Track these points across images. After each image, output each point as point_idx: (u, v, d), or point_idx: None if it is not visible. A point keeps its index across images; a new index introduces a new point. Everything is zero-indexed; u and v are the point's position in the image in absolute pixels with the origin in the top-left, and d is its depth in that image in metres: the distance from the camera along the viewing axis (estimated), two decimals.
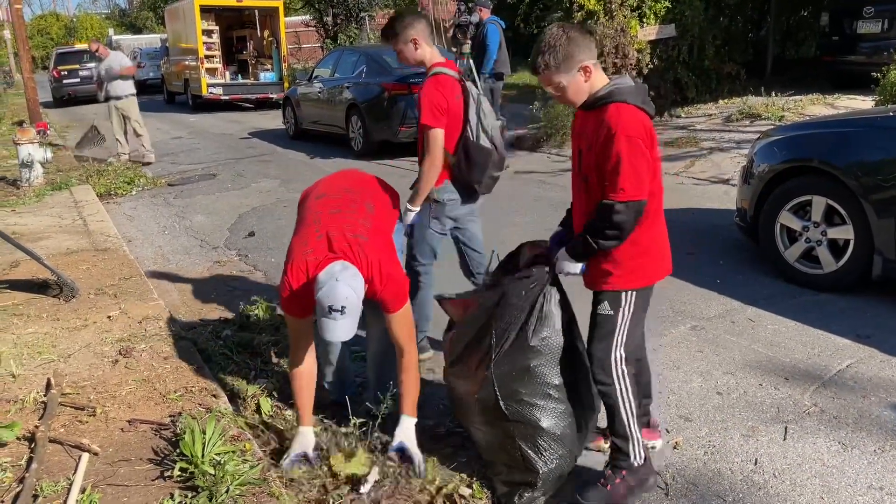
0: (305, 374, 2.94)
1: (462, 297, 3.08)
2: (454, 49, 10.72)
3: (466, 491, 2.83)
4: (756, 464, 3.00)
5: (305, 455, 2.87)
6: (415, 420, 2.94)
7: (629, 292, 2.61)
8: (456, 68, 3.71)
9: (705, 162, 8.59)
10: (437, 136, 3.51)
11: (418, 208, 3.62)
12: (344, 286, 2.51)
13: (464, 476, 2.90)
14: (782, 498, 2.78)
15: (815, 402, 3.43)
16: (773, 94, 10.71)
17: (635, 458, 2.71)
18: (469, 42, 10.34)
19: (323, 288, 2.51)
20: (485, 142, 3.62)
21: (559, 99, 2.60)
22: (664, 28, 11.00)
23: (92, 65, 23.50)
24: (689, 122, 10.75)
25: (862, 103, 9.68)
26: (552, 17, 11.73)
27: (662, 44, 11.10)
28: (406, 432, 2.91)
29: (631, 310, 2.62)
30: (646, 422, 3.00)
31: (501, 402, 2.71)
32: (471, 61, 9.03)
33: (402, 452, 2.89)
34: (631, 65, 10.79)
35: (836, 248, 4.67)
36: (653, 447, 3.01)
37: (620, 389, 2.65)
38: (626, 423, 2.67)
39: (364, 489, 2.70)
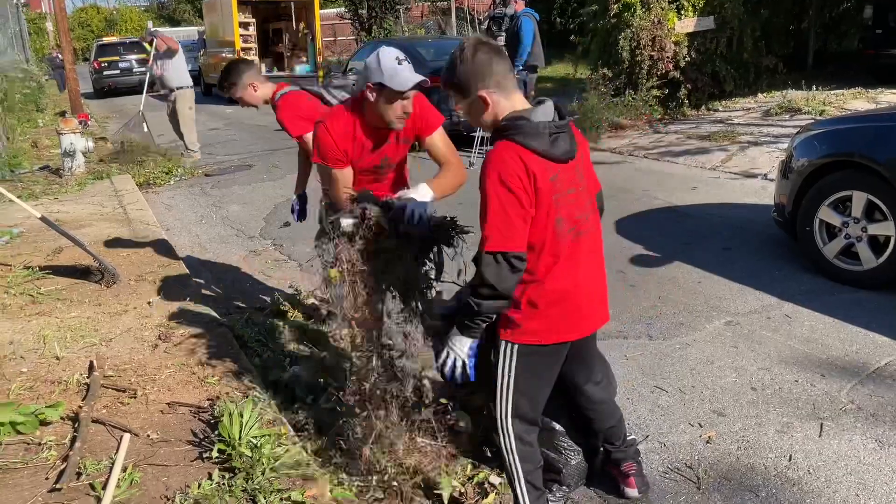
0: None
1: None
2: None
3: (496, 480, 2.85)
4: (790, 460, 2.97)
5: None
6: (432, 193, 2.71)
7: (509, 345, 2.29)
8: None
9: (742, 156, 8.47)
10: (308, 141, 3.70)
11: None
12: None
13: (494, 467, 2.92)
14: (817, 494, 2.75)
15: (851, 400, 3.38)
16: (814, 87, 10.51)
17: None
18: (503, 34, 10.31)
19: (372, 58, 2.72)
20: None
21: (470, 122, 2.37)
22: (702, 20, 10.84)
23: (133, 57, 24.02)
24: (727, 116, 10.60)
25: None
26: (589, 10, 11.64)
27: (700, 36, 10.94)
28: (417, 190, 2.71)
29: (511, 367, 2.30)
30: (617, 464, 2.76)
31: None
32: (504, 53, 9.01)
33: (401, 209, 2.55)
34: (668, 57, 10.66)
35: (877, 244, 4.58)
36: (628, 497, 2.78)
37: (506, 448, 2.40)
38: (514, 485, 2.44)
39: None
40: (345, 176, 2.98)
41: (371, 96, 2.79)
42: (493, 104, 2.20)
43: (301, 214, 4.31)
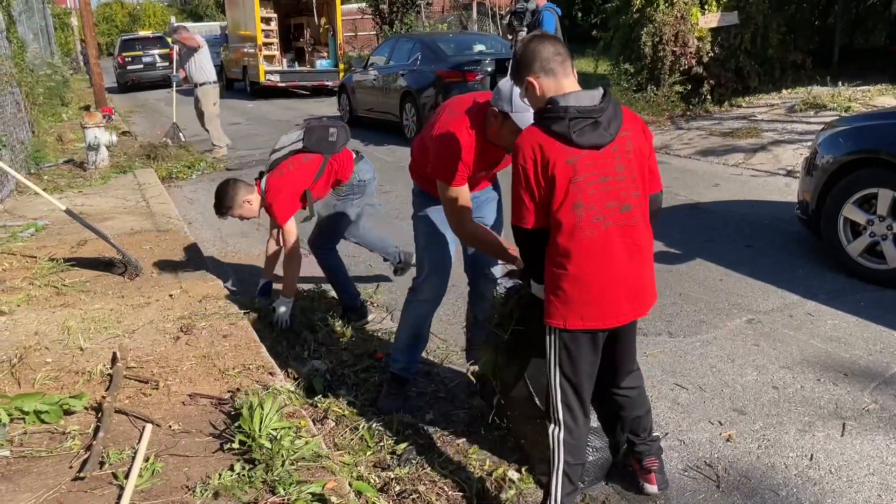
0: (480, 234, 3.05)
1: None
2: (509, 36, 10.65)
3: (515, 475, 2.86)
4: (811, 459, 2.95)
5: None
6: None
7: (550, 329, 2.37)
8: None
9: (766, 153, 8.39)
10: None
11: None
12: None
13: (513, 463, 2.93)
14: (838, 494, 2.73)
15: (874, 400, 3.34)
16: (840, 84, 10.36)
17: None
18: (524, 30, 10.25)
19: (507, 85, 2.70)
20: None
21: None
22: (726, 15, 10.73)
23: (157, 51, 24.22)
24: (750, 112, 10.48)
25: None
26: (611, 5, 11.56)
27: (724, 32, 10.84)
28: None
29: (554, 350, 2.37)
30: (639, 459, 2.76)
31: (535, 398, 2.73)
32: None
33: None
34: (691, 53, 10.57)
35: None
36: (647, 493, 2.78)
37: (552, 435, 2.43)
38: (551, 475, 2.45)
39: None
40: (464, 194, 2.94)
41: (494, 121, 2.82)
42: (540, 87, 2.30)
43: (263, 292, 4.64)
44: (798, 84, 11.30)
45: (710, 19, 10.70)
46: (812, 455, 2.97)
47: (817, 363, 3.71)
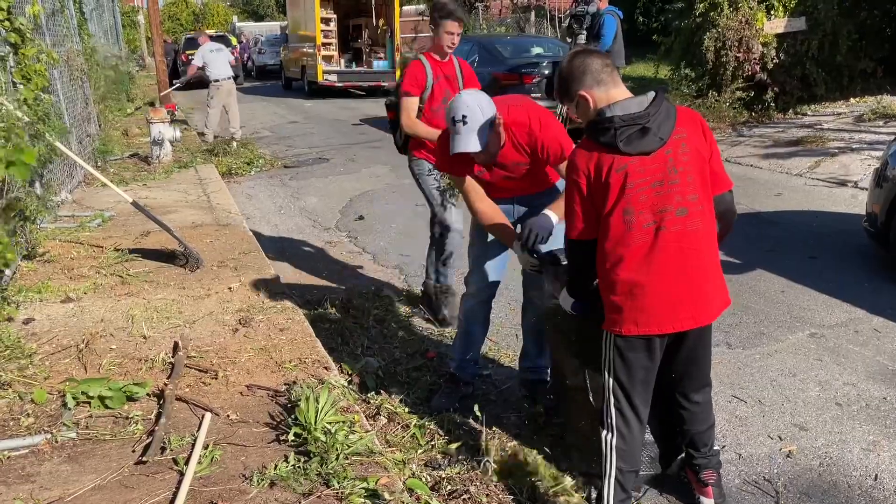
0: (490, 213, 3.10)
1: None
2: (568, 39, 10.57)
3: (568, 481, 2.81)
4: (876, 479, 2.85)
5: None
6: (558, 221, 2.85)
7: (606, 334, 2.37)
8: None
9: (832, 163, 8.14)
10: None
11: None
12: (466, 97, 2.75)
13: (565, 468, 2.90)
14: None
15: None
16: None
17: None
18: (584, 33, 10.17)
19: (449, 103, 2.75)
20: None
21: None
22: (793, 21, 10.45)
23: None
24: (816, 121, 10.19)
25: None
26: (674, 7, 11.37)
27: (790, 38, 10.56)
28: (542, 220, 2.89)
29: (609, 355, 2.37)
30: (696, 471, 2.69)
31: (591, 394, 2.70)
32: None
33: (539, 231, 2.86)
34: (755, 59, 10.32)
35: None
36: None
37: (605, 440, 2.42)
38: (604, 480, 2.44)
39: None
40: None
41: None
42: (593, 99, 2.30)
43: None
44: (867, 93, 10.94)
45: (777, 25, 10.44)
46: (877, 475, 2.87)
47: (883, 381, 3.59)
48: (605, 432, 2.41)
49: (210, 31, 28.19)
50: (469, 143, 2.77)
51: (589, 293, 2.46)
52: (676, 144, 2.24)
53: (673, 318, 2.29)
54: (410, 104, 4.16)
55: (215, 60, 11.41)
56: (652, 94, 2.28)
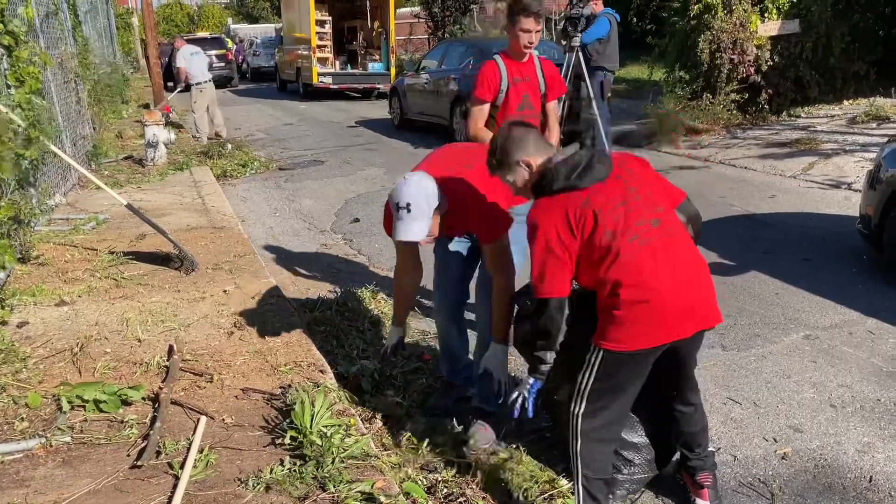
0: (405, 290, 3.20)
1: None
2: (563, 42, 10.59)
3: (563, 483, 2.82)
4: (871, 481, 2.86)
5: (400, 340, 3.20)
6: (505, 346, 2.91)
7: (597, 349, 2.34)
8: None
9: (826, 165, 8.17)
10: None
11: None
12: (410, 185, 2.67)
13: (560, 472, 2.90)
14: None
15: None
16: None
17: None
18: (579, 35, 10.18)
19: (393, 189, 2.69)
20: None
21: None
22: (787, 24, 10.48)
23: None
24: (809, 123, 10.23)
25: None
26: (670, 9, 11.39)
27: (784, 40, 10.59)
28: (491, 359, 2.91)
29: (593, 368, 2.35)
30: (692, 473, 2.71)
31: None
32: (580, 55, 8.87)
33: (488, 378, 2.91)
34: (749, 61, 10.35)
35: None
36: None
37: (572, 447, 2.45)
38: (575, 485, 2.48)
39: None
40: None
41: None
42: (535, 163, 2.43)
43: None
44: (860, 95, 10.97)
45: (770, 27, 10.46)
46: (871, 477, 2.88)
47: (878, 382, 3.60)
48: (571, 439, 2.44)
49: (203, 34, 28.17)
50: (411, 231, 2.69)
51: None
52: (622, 170, 2.40)
53: (681, 325, 2.32)
54: (479, 111, 3.88)
55: (194, 64, 11.78)
56: (574, 144, 2.46)
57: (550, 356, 2.47)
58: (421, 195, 2.65)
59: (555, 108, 3.98)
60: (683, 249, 2.36)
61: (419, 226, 2.66)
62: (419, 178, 2.70)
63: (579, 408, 2.41)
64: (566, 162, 2.36)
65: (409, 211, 2.64)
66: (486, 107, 3.88)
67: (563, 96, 3.89)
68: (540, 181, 2.40)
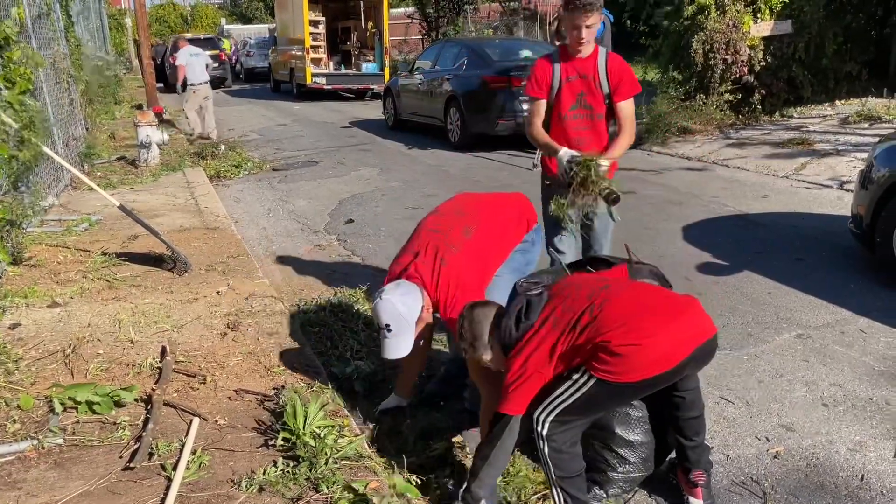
0: (413, 358, 3.09)
1: None
2: (556, 42, 10.62)
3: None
4: (862, 480, 2.87)
5: (398, 409, 3.28)
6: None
7: (587, 374, 2.31)
8: None
9: (818, 164, 8.20)
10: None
11: None
12: (387, 304, 2.73)
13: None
14: None
15: None
16: None
17: None
18: None
19: (373, 305, 2.77)
20: None
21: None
22: (780, 24, 10.53)
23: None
24: (802, 123, 10.27)
25: None
26: (662, 12, 11.43)
27: (777, 40, 10.63)
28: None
29: (578, 391, 2.34)
30: (687, 468, 2.71)
31: None
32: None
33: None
34: (742, 61, 10.39)
35: None
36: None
37: (540, 451, 2.46)
38: (551, 488, 2.50)
39: None
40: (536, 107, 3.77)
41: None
42: (499, 335, 2.50)
43: None
44: (852, 95, 11.03)
45: (763, 28, 10.51)
46: (863, 476, 2.89)
47: (869, 381, 3.61)
48: (539, 443, 2.44)
49: (199, 34, 28.11)
50: (398, 349, 2.78)
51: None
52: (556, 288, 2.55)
53: (680, 349, 2.33)
54: (534, 109, 3.71)
55: (194, 65, 12.06)
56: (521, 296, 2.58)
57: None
58: (397, 314, 2.74)
59: (626, 109, 3.67)
60: (649, 288, 2.50)
61: (404, 341, 2.79)
62: (401, 294, 2.78)
63: (546, 415, 2.40)
64: (508, 315, 2.48)
65: (389, 330, 2.75)
66: (541, 104, 3.70)
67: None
68: (512, 326, 2.47)
